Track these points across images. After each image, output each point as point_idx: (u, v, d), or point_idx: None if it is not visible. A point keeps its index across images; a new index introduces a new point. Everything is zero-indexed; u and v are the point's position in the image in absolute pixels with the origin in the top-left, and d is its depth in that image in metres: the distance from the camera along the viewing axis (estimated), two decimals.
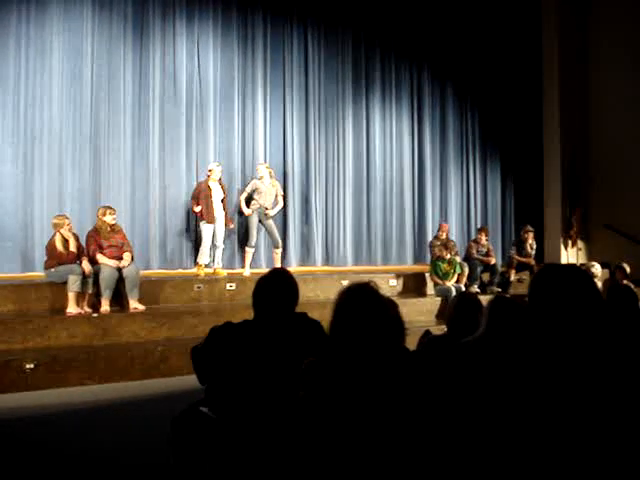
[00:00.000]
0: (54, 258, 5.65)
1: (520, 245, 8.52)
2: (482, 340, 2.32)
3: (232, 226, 7.69)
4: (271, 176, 7.66)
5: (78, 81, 7.36)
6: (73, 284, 5.50)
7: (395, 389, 1.76)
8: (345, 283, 5.91)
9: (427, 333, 3.48)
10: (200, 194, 7.23)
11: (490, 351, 2.19)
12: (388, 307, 1.94)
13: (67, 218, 5.92)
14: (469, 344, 2.34)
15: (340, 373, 1.76)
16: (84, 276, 5.60)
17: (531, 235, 8.51)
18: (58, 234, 5.73)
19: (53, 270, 5.66)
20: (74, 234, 5.90)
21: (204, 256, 7.22)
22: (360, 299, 1.86)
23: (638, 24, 9.41)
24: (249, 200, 7.60)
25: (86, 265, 5.63)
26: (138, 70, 7.77)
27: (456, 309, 2.88)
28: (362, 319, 1.81)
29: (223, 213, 7.37)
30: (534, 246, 8.54)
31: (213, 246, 7.36)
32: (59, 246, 5.67)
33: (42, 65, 7.17)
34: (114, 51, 7.60)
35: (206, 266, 7.25)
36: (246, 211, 7.50)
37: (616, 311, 3.04)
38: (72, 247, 5.76)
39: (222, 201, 7.37)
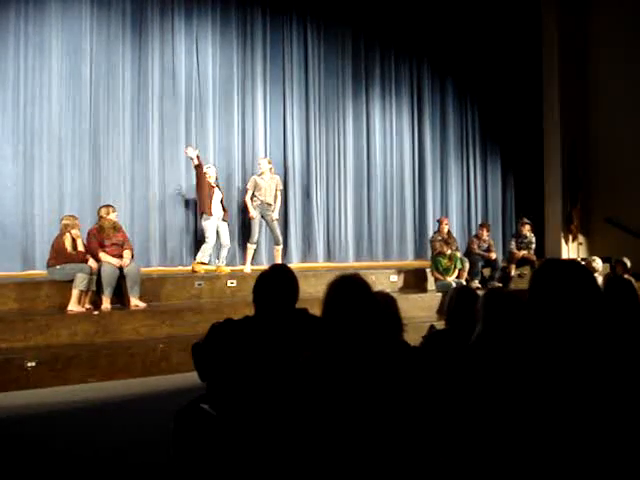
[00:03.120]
0: (62, 257, 5.66)
1: (518, 238, 8.51)
2: (481, 336, 2.32)
3: (227, 218, 7.62)
4: (271, 171, 7.65)
5: (77, 79, 7.35)
6: (81, 282, 5.53)
7: (392, 384, 1.76)
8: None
9: (431, 328, 3.47)
10: (205, 189, 7.21)
11: (489, 347, 2.19)
12: (377, 298, 1.95)
13: (77, 218, 5.96)
14: (469, 342, 2.34)
15: (335, 367, 1.76)
16: (91, 274, 5.62)
17: (527, 227, 8.47)
18: (68, 234, 5.76)
19: (58, 267, 5.66)
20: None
21: (206, 254, 7.15)
22: (348, 290, 1.87)
23: (638, 22, 9.39)
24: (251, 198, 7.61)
25: (93, 263, 5.67)
26: (137, 68, 7.76)
27: (455, 304, 2.87)
28: (350, 310, 1.82)
29: (222, 213, 7.36)
30: (533, 240, 8.51)
31: (219, 245, 7.35)
32: (68, 246, 5.70)
33: (41, 63, 7.16)
34: (113, 49, 7.59)
35: (203, 264, 7.21)
36: (252, 213, 7.48)
37: (614, 303, 3.03)
38: (80, 247, 5.81)
39: (220, 200, 7.36)
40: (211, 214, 7.14)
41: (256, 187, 7.50)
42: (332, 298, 1.88)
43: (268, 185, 7.52)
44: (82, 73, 7.38)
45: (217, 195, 7.29)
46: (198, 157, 7.26)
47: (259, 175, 7.59)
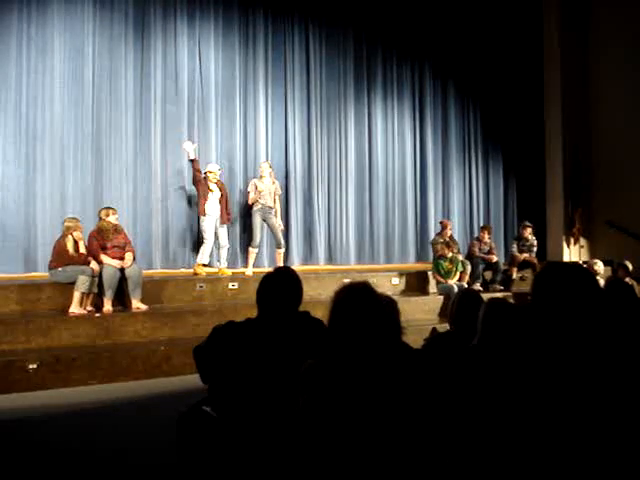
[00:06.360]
0: (63, 259, 5.66)
1: (520, 241, 8.51)
2: (480, 342, 2.32)
3: (229, 222, 7.63)
4: (271, 175, 7.66)
5: (79, 81, 7.37)
6: (82, 284, 5.53)
7: (396, 390, 1.76)
8: (347, 281, 5.91)
9: (434, 331, 3.47)
10: (199, 187, 7.22)
11: (489, 350, 2.18)
12: (385, 306, 1.93)
13: (79, 221, 5.97)
14: (469, 346, 2.34)
15: (340, 374, 1.75)
16: (92, 276, 5.63)
17: (529, 230, 8.47)
18: (70, 236, 5.76)
19: (60, 270, 5.66)
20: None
21: (205, 255, 7.20)
22: (358, 298, 1.86)
23: (638, 23, 9.40)
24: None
25: (95, 265, 5.68)
26: (139, 70, 7.77)
27: (458, 306, 2.88)
28: (360, 319, 1.81)
29: (219, 213, 7.34)
30: (535, 243, 8.51)
31: (218, 245, 7.36)
32: (70, 248, 5.70)
33: (43, 65, 7.18)
34: (115, 51, 7.60)
35: (205, 266, 7.24)
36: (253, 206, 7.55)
37: (615, 306, 3.02)
38: (82, 249, 5.81)
39: (219, 201, 7.35)
40: (204, 214, 7.16)
41: (256, 190, 7.50)
42: (340, 307, 1.87)
43: (268, 188, 7.51)
44: (84, 75, 7.39)
45: (215, 195, 7.29)
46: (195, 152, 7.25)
47: (259, 178, 7.59)
